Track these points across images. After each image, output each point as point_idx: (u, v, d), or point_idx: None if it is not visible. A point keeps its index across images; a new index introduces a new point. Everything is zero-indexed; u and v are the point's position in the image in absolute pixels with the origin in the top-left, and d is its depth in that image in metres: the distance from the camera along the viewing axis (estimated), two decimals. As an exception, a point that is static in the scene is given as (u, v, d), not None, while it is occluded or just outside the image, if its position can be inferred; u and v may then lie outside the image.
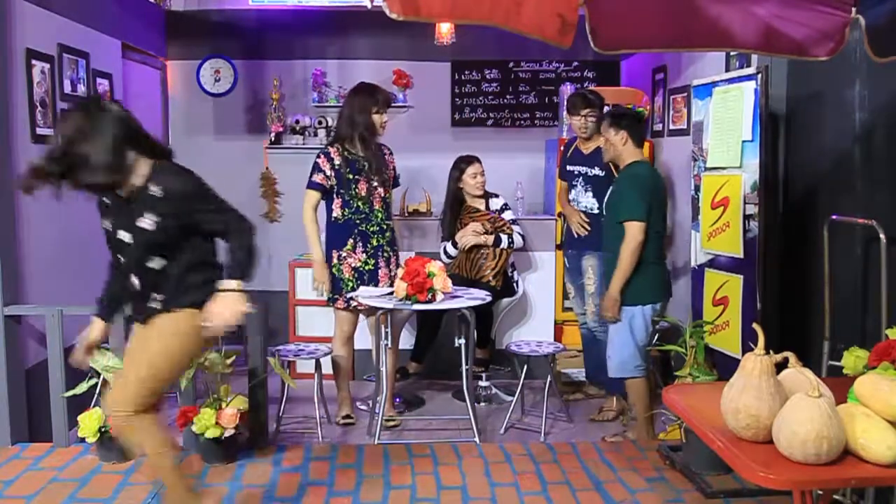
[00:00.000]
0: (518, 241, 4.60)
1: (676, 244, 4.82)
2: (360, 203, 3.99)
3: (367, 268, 4.02)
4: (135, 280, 2.45)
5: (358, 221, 4.01)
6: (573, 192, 4.34)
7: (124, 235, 2.40)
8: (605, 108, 4.24)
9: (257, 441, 3.58)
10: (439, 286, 3.68)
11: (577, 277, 4.33)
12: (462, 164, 4.68)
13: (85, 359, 2.63)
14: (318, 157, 4.01)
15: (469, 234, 4.55)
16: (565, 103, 4.63)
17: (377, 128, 4.01)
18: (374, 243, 4.03)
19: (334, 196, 3.99)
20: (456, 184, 4.69)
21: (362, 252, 4.01)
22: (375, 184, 4.00)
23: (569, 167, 4.37)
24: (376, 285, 4.02)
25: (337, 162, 3.97)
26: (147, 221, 2.36)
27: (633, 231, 3.54)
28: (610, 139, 3.70)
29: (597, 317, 4.12)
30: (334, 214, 4.02)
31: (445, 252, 4.66)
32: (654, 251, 3.64)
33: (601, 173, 4.18)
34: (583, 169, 4.26)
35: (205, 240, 2.50)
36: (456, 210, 4.68)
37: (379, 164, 4.01)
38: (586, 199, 4.24)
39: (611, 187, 3.83)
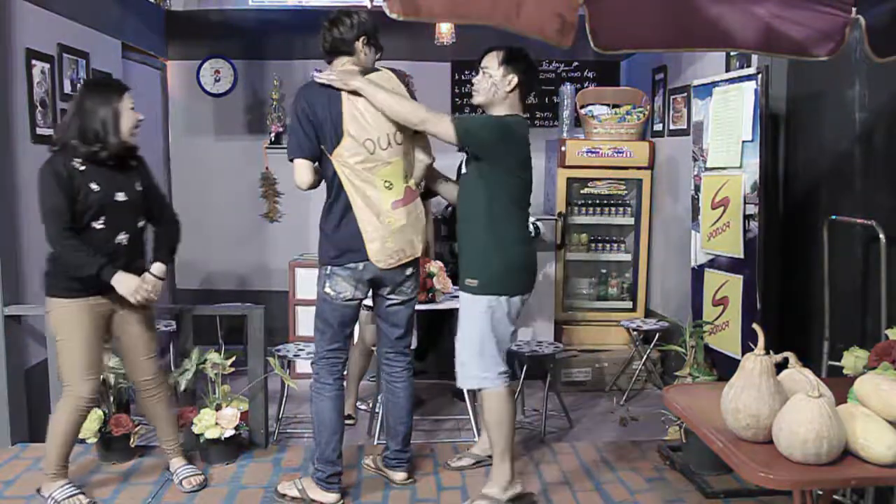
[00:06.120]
0: (541, 227, 4.65)
1: (677, 244, 4.82)
2: None
3: None
4: None
5: None
6: None
7: None
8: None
9: (257, 441, 3.58)
10: (439, 286, 3.69)
11: None
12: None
13: None
14: None
15: None
16: None
17: None
18: None
19: None
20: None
21: None
22: None
23: None
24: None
25: None
26: None
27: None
28: (495, 78, 2.87)
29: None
30: None
31: (451, 252, 4.64)
32: (519, 227, 2.92)
33: None
34: None
35: None
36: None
37: None
38: None
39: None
